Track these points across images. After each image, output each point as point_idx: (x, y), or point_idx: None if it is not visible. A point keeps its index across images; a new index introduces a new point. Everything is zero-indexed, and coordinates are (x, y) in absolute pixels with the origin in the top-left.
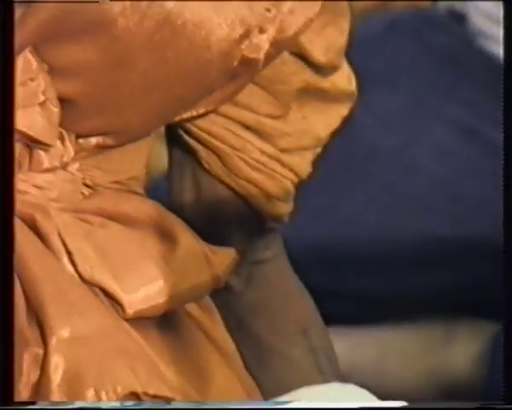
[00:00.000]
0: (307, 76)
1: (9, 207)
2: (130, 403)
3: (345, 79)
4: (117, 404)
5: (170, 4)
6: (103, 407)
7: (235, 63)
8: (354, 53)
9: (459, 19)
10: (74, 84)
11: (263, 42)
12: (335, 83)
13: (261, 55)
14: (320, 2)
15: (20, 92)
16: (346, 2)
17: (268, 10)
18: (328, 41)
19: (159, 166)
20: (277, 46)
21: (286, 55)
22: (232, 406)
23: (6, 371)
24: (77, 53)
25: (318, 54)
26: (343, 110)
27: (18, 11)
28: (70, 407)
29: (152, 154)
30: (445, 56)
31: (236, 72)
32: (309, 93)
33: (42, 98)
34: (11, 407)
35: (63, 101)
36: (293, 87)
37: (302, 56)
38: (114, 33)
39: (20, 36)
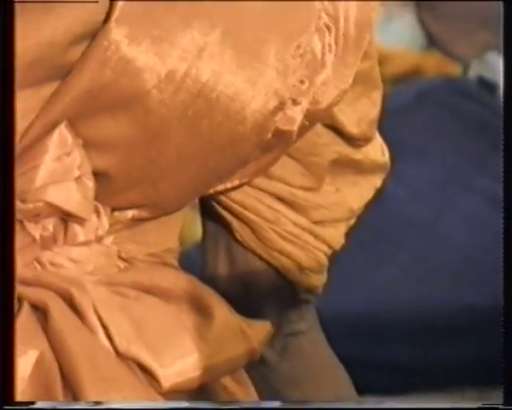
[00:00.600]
0: (340, 148)
1: (10, 208)
2: (131, 404)
3: (377, 150)
4: (118, 405)
5: (204, 77)
6: (105, 407)
7: (269, 135)
8: (386, 123)
9: (489, 88)
10: (109, 159)
11: (296, 114)
12: (368, 154)
13: (295, 127)
14: (353, 75)
15: (55, 167)
16: (378, 75)
17: (302, 82)
18: (360, 113)
19: (192, 237)
20: (311, 118)
21: (319, 126)
22: (233, 406)
23: (6, 371)
24: (111, 127)
25: (351, 125)
26: (376, 182)
27: (52, 86)
28: (70, 407)
29: (185, 225)
30: (475, 126)
31: (270, 144)
32: (342, 165)
33: (77, 173)
34: (11, 407)
35: (98, 174)
36: (326, 159)
37: (335, 128)
38: (149, 107)
39: (54, 110)
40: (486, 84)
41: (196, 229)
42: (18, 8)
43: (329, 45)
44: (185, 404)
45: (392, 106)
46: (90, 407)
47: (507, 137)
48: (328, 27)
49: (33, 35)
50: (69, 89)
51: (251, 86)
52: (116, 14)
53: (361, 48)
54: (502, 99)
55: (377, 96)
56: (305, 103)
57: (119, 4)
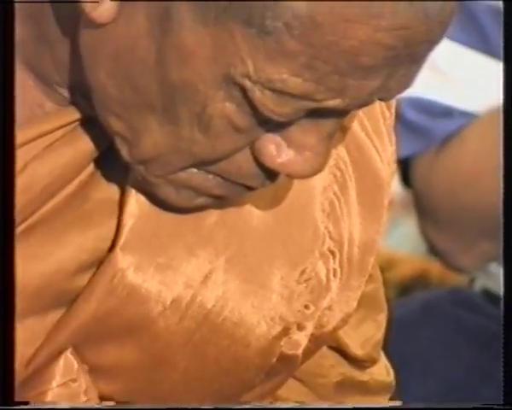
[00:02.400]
0: (345, 369)
1: (10, 208)
2: (131, 404)
3: (382, 371)
4: (118, 405)
5: (210, 304)
6: (105, 407)
7: (274, 360)
8: (391, 336)
9: (494, 300)
10: (115, 383)
11: (302, 338)
12: (373, 375)
13: (300, 352)
14: (358, 298)
15: (62, 392)
16: (383, 297)
17: (306, 307)
18: (365, 335)
19: None
20: (316, 342)
21: (324, 348)
22: (232, 406)
23: (6, 371)
24: (117, 353)
25: (356, 348)
26: (382, 402)
27: (58, 312)
28: (70, 407)
29: None
30: (480, 339)
31: (276, 368)
32: (347, 386)
33: (84, 398)
34: (11, 407)
35: (104, 398)
36: (331, 380)
37: (340, 350)
38: (154, 333)
39: (60, 338)
40: (491, 296)
41: None
42: (20, 233)
43: (334, 270)
44: (185, 404)
45: (398, 318)
46: (89, 407)
47: (507, 137)
48: (332, 252)
49: (38, 264)
50: (75, 316)
51: (256, 312)
52: (121, 241)
53: (365, 271)
54: (502, 108)
55: (382, 318)
56: (309, 328)
57: (125, 232)
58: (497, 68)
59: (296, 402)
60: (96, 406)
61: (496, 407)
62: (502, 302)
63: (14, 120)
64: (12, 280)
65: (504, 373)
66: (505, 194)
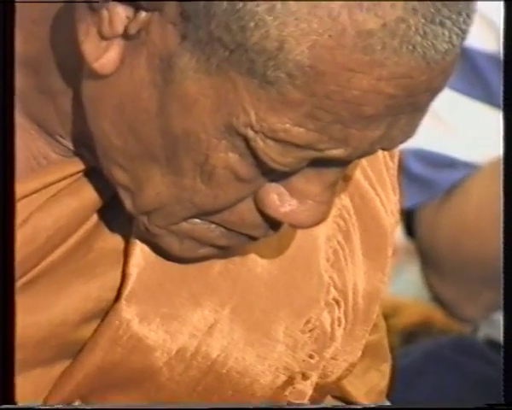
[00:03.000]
0: None
1: (10, 208)
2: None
3: None
4: (118, 405)
5: (214, 353)
6: (104, 407)
7: None
8: (394, 384)
9: (497, 348)
10: None
11: (306, 388)
12: None
13: (305, 401)
14: (362, 348)
15: None
16: (387, 347)
17: (311, 357)
18: (369, 385)
19: None
20: (321, 391)
21: (328, 397)
22: (232, 406)
23: (6, 371)
24: (122, 400)
25: (360, 397)
26: None
27: (63, 363)
28: (70, 407)
29: None
30: (484, 386)
31: None
32: None
33: None
34: (11, 406)
35: None
36: None
37: (344, 399)
38: (159, 383)
39: (66, 389)
40: (494, 345)
41: None
42: (25, 284)
43: (339, 319)
44: (185, 404)
45: (402, 366)
46: (89, 407)
47: (507, 137)
48: (337, 302)
49: (43, 314)
50: (81, 367)
51: (260, 361)
52: (126, 291)
53: (370, 321)
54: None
55: (386, 368)
56: (314, 377)
57: (130, 282)
58: (498, 118)
59: None
60: (96, 406)
61: (496, 407)
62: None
63: (15, 173)
64: (12, 280)
65: (504, 373)
66: (505, 242)
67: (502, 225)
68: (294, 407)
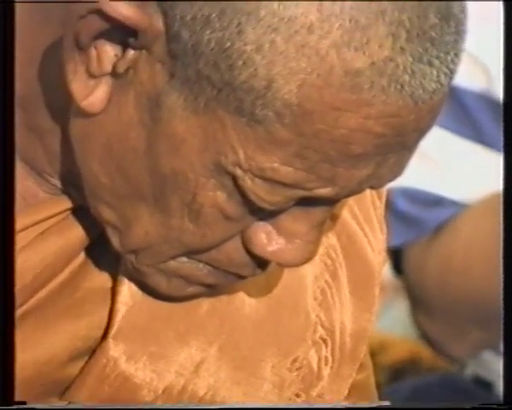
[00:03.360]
0: None
1: (10, 208)
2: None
3: None
4: (118, 405)
5: (201, 392)
6: (104, 407)
7: None
8: None
9: (485, 386)
10: None
11: None
12: None
13: None
14: (348, 386)
15: None
16: (373, 386)
17: (297, 395)
18: None
19: None
20: None
21: None
22: (232, 406)
23: (6, 371)
24: None
25: None
26: None
27: (51, 401)
28: (69, 407)
29: None
30: None
31: None
32: None
33: None
34: (11, 406)
35: None
36: None
37: None
38: None
39: None
40: (482, 383)
41: None
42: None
43: (326, 358)
44: (185, 405)
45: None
46: (88, 407)
47: (507, 138)
48: (324, 340)
49: (30, 353)
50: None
51: (247, 399)
52: (114, 330)
53: (357, 360)
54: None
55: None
56: None
57: (117, 321)
58: (487, 156)
59: None
60: (96, 406)
61: (496, 407)
62: (494, 390)
63: (14, 212)
64: (12, 280)
65: (504, 373)
66: (505, 280)
67: (501, 264)
68: (296, 406)
